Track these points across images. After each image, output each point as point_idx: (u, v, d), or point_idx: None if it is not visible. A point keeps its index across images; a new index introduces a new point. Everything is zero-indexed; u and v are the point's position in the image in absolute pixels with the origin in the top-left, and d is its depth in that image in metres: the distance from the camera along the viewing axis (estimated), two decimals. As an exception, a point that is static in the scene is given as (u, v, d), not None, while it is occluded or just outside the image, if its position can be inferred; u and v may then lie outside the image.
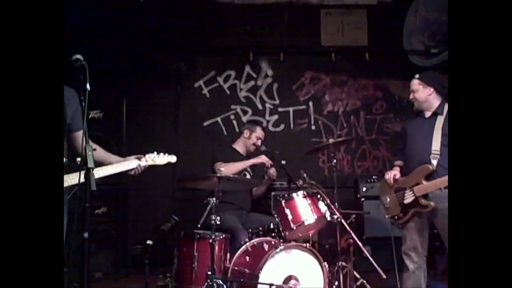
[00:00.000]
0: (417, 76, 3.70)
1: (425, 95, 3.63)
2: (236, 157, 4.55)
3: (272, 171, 4.55)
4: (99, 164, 2.90)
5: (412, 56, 6.27)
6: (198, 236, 3.78)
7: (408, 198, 3.56)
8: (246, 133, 4.67)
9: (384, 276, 3.55)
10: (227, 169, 4.07)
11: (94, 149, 2.46)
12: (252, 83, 6.20)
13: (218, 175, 3.61)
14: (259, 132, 4.69)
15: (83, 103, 2.45)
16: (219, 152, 4.62)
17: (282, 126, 6.18)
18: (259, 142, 4.66)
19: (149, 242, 3.98)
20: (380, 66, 6.20)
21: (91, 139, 2.99)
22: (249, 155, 4.68)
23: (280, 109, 6.19)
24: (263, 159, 4.41)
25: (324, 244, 4.78)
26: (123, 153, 3.23)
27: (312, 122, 6.21)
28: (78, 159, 2.38)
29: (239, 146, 4.69)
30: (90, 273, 4.72)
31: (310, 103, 6.21)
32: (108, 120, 5.40)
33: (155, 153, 3.12)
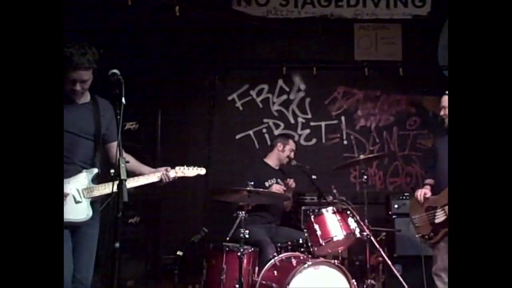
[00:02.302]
0: (448, 92, 3.65)
1: (456, 112, 3.57)
2: (267, 171, 4.60)
3: (290, 182, 4.61)
4: (131, 174, 2.98)
5: (447, 71, 6.16)
6: (227, 249, 3.83)
7: (440, 217, 3.51)
8: (279, 146, 4.74)
9: (413, 296, 3.49)
10: None
11: (127, 162, 2.54)
12: (284, 97, 6.22)
13: (248, 188, 3.65)
14: (291, 144, 4.77)
15: (118, 117, 2.54)
16: (248, 167, 4.67)
17: (314, 141, 6.16)
18: (292, 154, 4.72)
19: (179, 253, 4.04)
20: (414, 82, 6.11)
21: (126, 150, 3.11)
22: (282, 168, 4.73)
23: (312, 124, 6.19)
24: (275, 189, 4.46)
25: (354, 261, 4.73)
26: (158, 164, 3.31)
27: (344, 137, 6.17)
28: (112, 170, 2.46)
29: (271, 160, 4.75)
30: (122, 281, 4.82)
31: (343, 118, 6.18)
32: (143, 131, 5.52)
33: (185, 165, 3.18)
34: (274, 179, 4.59)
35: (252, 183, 3.78)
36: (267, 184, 4.52)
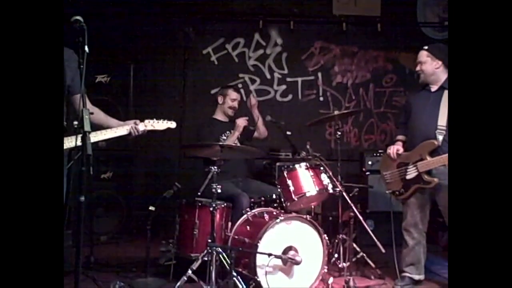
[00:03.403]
0: (426, 47, 3.59)
1: (432, 68, 3.53)
2: (218, 126, 4.48)
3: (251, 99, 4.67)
4: (99, 127, 2.90)
5: (426, 28, 6.10)
6: (199, 204, 3.80)
7: (411, 173, 3.52)
8: (220, 99, 4.60)
9: (383, 251, 3.54)
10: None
11: (91, 113, 2.44)
12: (261, 51, 6.11)
13: (220, 143, 3.60)
14: (232, 94, 4.57)
15: (81, 66, 2.42)
16: (201, 127, 4.55)
17: (290, 97, 6.11)
18: (235, 104, 4.55)
19: (151, 208, 4.00)
20: (392, 38, 6.07)
21: (97, 104, 3.00)
22: (231, 120, 4.57)
23: (288, 79, 6.12)
24: (240, 123, 4.37)
25: (328, 217, 4.77)
26: (130, 118, 3.23)
27: (321, 93, 6.14)
28: (75, 122, 2.37)
29: (219, 115, 4.62)
30: (96, 236, 4.80)
31: (319, 74, 6.13)
32: (115, 84, 5.39)
33: (155, 118, 3.10)
34: (228, 131, 4.48)
35: (225, 137, 3.71)
36: (222, 139, 4.41)
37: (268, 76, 6.10)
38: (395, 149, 3.67)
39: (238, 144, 4.21)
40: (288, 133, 4.43)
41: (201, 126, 4.53)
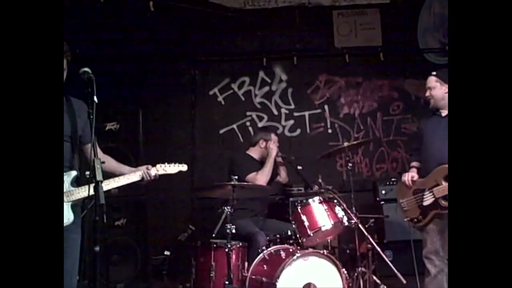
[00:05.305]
0: (434, 73, 3.62)
1: (442, 93, 3.55)
2: (252, 163, 4.53)
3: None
4: (111, 175, 2.90)
5: (428, 54, 6.15)
6: (215, 245, 3.77)
7: (428, 200, 3.48)
8: (261, 143, 4.66)
9: (404, 282, 3.46)
10: (262, 177, 4.26)
11: (103, 162, 2.46)
12: (266, 88, 6.16)
13: (232, 183, 3.59)
14: (274, 138, 4.67)
15: (91, 116, 2.45)
16: (234, 160, 4.58)
17: (298, 131, 6.12)
18: (275, 146, 4.62)
19: (166, 252, 3.99)
20: (395, 66, 6.11)
21: (108, 151, 3.02)
22: (263, 160, 4.63)
23: (295, 114, 6.14)
24: (274, 149, 4.50)
25: (345, 250, 4.70)
26: (141, 164, 3.24)
27: (329, 125, 6.14)
28: (87, 172, 2.38)
29: (254, 153, 4.67)
30: (112, 284, 4.74)
31: (326, 107, 6.15)
32: (124, 131, 5.40)
33: (166, 163, 3.11)
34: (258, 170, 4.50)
35: (236, 177, 3.70)
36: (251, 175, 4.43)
37: (275, 112, 6.13)
38: (410, 176, 3.64)
39: (250, 183, 4.19)
40: (299, 167, 4.43)
41: (236, 159, 4.57)
